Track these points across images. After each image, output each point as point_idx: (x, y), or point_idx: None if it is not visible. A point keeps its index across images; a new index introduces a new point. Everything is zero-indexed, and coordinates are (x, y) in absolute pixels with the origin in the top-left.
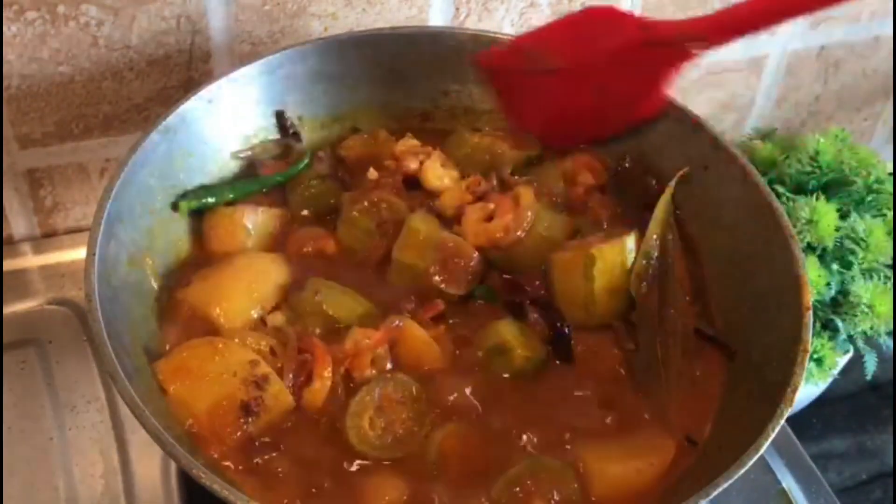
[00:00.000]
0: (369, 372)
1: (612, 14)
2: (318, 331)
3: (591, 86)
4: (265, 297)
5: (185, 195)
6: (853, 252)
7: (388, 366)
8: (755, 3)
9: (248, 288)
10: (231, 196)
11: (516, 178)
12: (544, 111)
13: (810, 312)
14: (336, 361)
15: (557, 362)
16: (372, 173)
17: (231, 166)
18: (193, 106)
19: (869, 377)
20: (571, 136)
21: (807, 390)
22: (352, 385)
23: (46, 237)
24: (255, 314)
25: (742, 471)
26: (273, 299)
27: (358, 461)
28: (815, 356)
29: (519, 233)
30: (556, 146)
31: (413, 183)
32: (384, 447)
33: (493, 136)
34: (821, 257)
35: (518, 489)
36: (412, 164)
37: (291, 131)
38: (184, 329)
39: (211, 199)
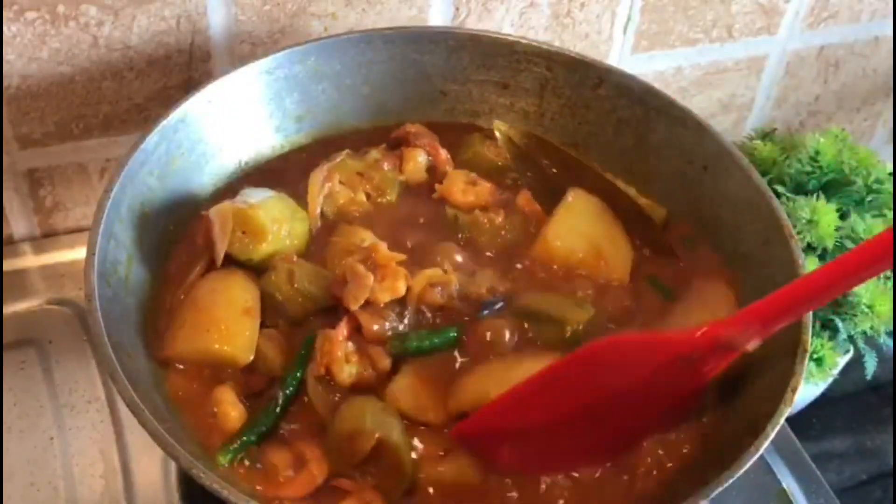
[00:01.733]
0: (347, 369)
1: (628, 343)
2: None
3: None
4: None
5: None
6: None
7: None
8: (816, 280)
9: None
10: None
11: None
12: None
13: (810, 312)
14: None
15: None
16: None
17: (230, 167)
18: (193, 106)
19: (869, 377)
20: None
21: (807, 390)
22: (332, 383)
23: (46, 237)
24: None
25: (742, 471)
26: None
27: None
28: (815, 356)
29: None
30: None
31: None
32: None
33: None
34: (821, 257)
35: None
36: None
37: None
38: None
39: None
